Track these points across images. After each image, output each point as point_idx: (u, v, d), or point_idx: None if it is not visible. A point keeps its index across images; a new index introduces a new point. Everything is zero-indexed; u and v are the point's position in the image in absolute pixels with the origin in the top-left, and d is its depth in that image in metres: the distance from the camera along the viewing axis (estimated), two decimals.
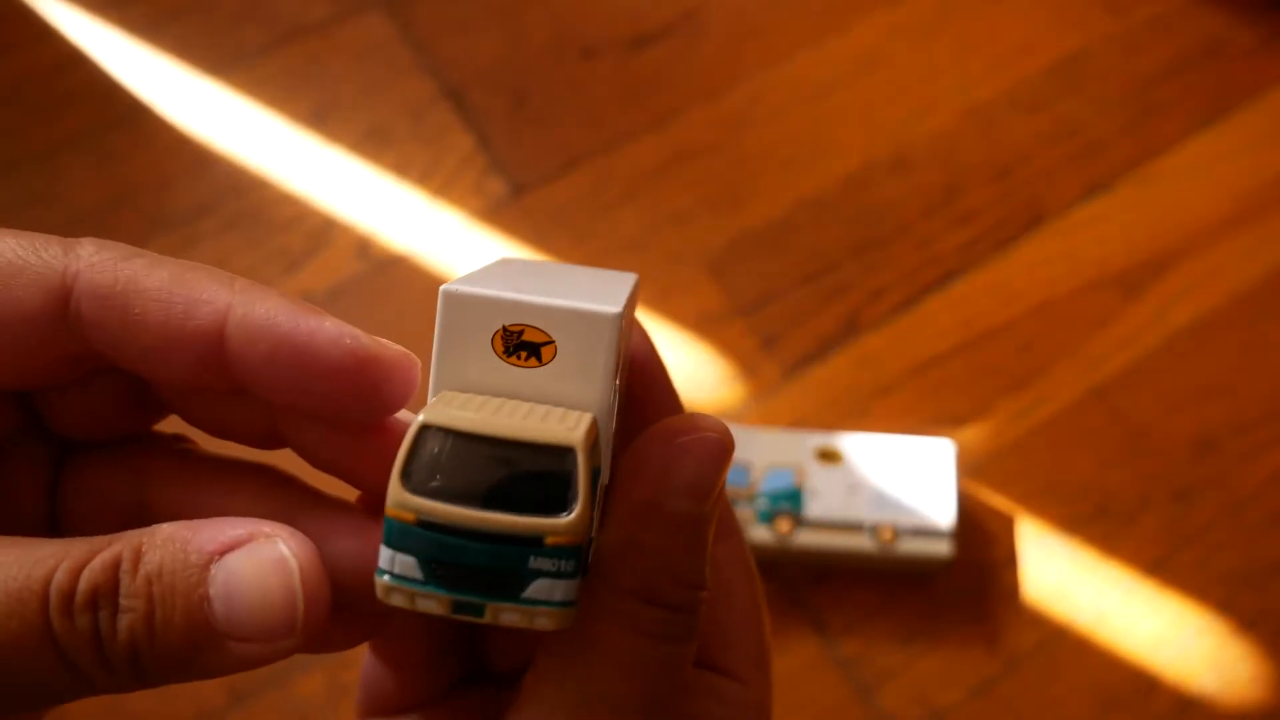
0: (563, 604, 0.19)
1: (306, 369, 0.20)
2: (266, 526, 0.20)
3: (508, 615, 0.18)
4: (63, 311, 0.20)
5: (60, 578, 0.18)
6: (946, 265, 0.66)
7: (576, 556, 0.19)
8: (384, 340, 0.21)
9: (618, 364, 0.21)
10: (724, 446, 0.22)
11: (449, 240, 0.66)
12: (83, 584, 0.18)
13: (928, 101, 0.71)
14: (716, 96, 0.71)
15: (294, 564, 0.19)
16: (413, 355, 0.21)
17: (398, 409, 0.21)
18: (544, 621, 0.19)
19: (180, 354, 0.20)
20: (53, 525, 0.23)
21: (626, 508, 0.22)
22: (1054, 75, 0.72)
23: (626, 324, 0.23)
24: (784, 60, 0.72)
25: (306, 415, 0.22)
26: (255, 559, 0.19)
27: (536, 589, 0.18)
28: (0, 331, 0.20)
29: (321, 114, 0.70)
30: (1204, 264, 0.66)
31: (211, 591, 0.19)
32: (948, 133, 0.70)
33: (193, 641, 0.19)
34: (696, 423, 0.22)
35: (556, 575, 0.18)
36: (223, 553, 0.19)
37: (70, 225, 0.65)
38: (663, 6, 0.74)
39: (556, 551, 0.18)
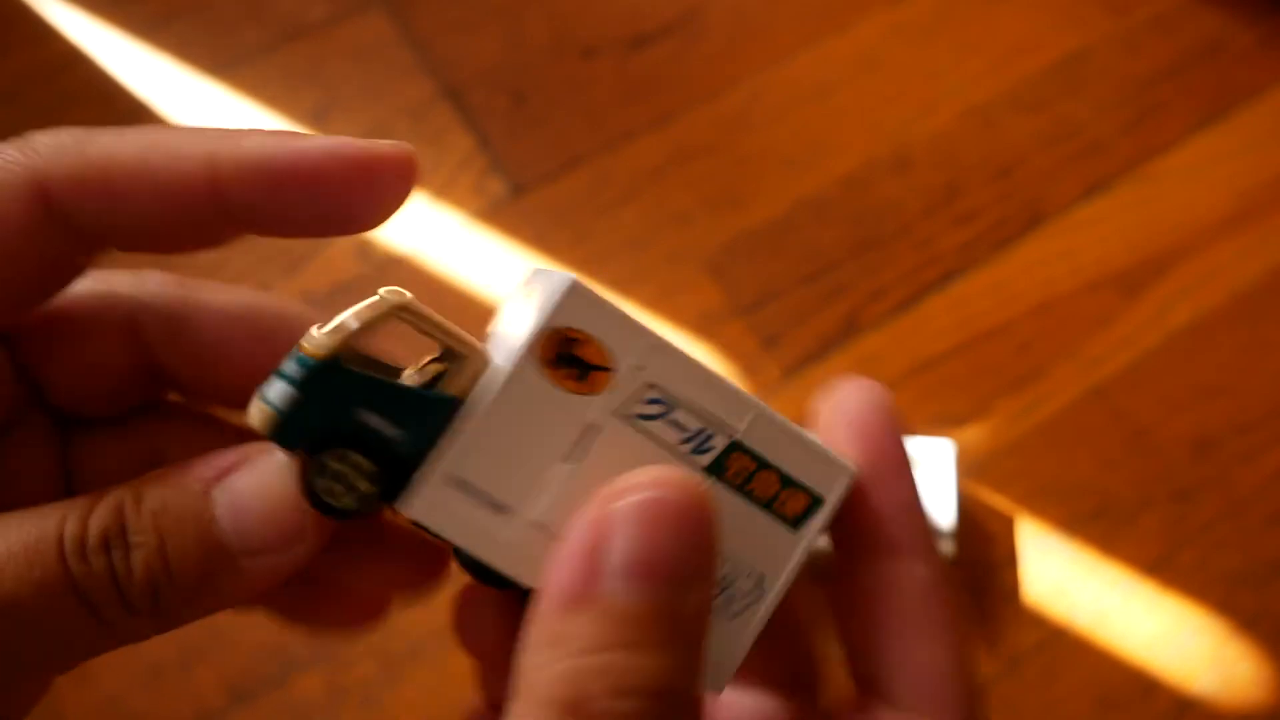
0: (271, 405, 0.19)
1: (304, 184, 0.20)
2: (257, 448, 0.20)
3: (252, 405, 0.19)
4: (44, 211, 0.19)
5: (71, 525, 0.18)
6: (946, 265, 0.66)
7: (307, 366, 0.19)
8: (375, 140, 0.20)
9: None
10: (681, 509, 0.18)
11: (449, 240, 0.66)
12: (92, 528, 0.18)
13: (928, 101, 0.71)
14: (716, 96, 0.71)
15: (293, 469, 0.19)
16: (409, 147, 0.21)
17: (400, 204, 0.21)
18: (252, 413, 0.19)
19: (171, 206, 0.20)
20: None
21: (545, 594, 0.18)
22: (1054, 75, 0.72)
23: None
24: (784, 60, 0.72)
25: (311, 233, 0.21)
26: (254, 472, 0.19)
27: (269, 386, 0.19)
28: None
29: (321, 114, 0.70)
30: (1204, 264, 0.66)
31: (217, 513, 0.19)
32: (948, 133, 0.70)
33: (208, 566, 0.19)
34: (657, 478, 0.18)
35: (285, 378, 0.19)
36: (220, 478, 0.19)
37: None
38: (663, 6, 0.74)
39: (298, 358, 0.19)
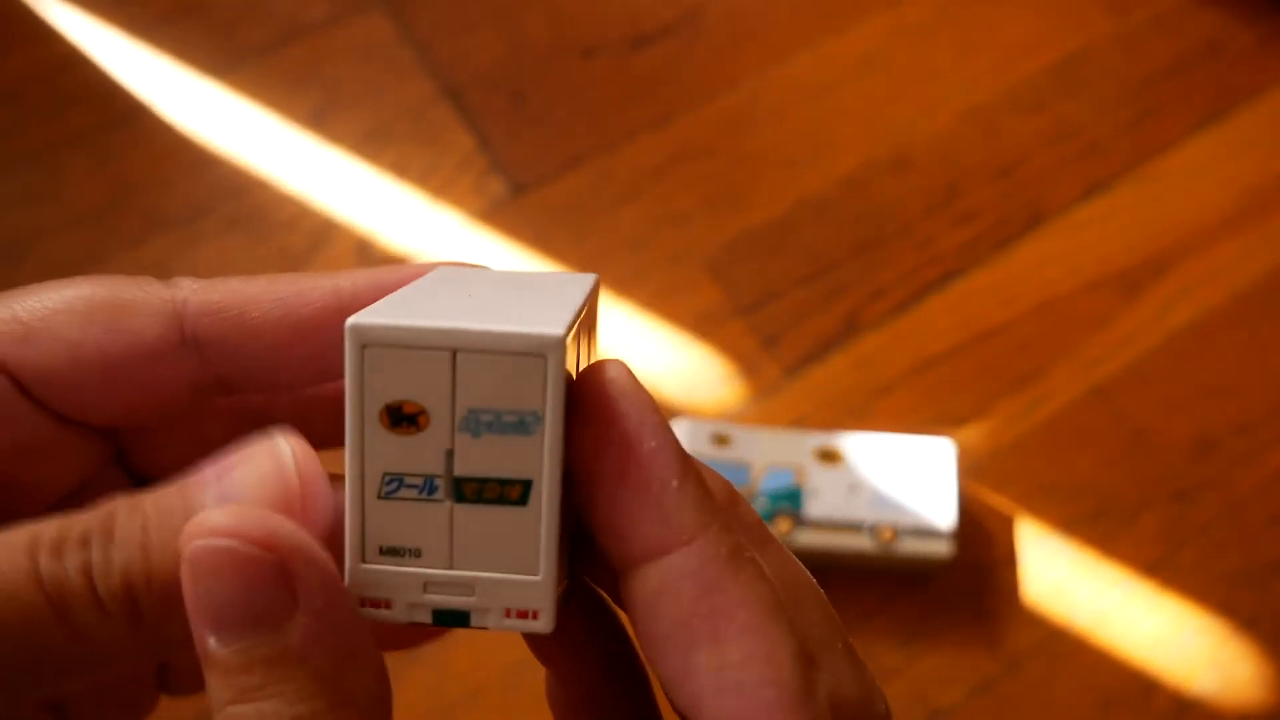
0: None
1: None
2: (259, 439, 0.19)
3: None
4: (179, 337, 0.20)
5: (52, 528, 0.17)
6: (946, 265, 0.66)
7: None
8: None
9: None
10: (235, 556, 0.16)
11: (449, 240, 0.66)
12: (76, 527, 0.17)
13: (928, 101, 0.71)
14: (716, 96, 0.71)
15: (286, 447, 0.18)
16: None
17: None
18: None
19: (302, 344, 0.21)
20: None
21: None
22: (1054, 75, 0.72)
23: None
24: (784, 60, 0.72)
25: None
26: (250, 461, 0.18)
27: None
28: (121, 365, 0.20)
29: (321, 114, 0.70)
30: (1204, 264, 0.66)
31: (207, 504, 0.18)
32: (948, 133, 0.70)
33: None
34: (188, 529, 0.16)
35: None
36: (223, 476, 0.18)
37: (70, 225, 0.65)
38: (663, 6, 0.74)
39: None
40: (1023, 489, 0.60)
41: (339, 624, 0.17)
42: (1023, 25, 0.74)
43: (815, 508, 0.56)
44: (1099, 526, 0.59)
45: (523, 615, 0.19)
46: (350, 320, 0.18)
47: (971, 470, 0.60)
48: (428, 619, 0.19)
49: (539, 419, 0.18)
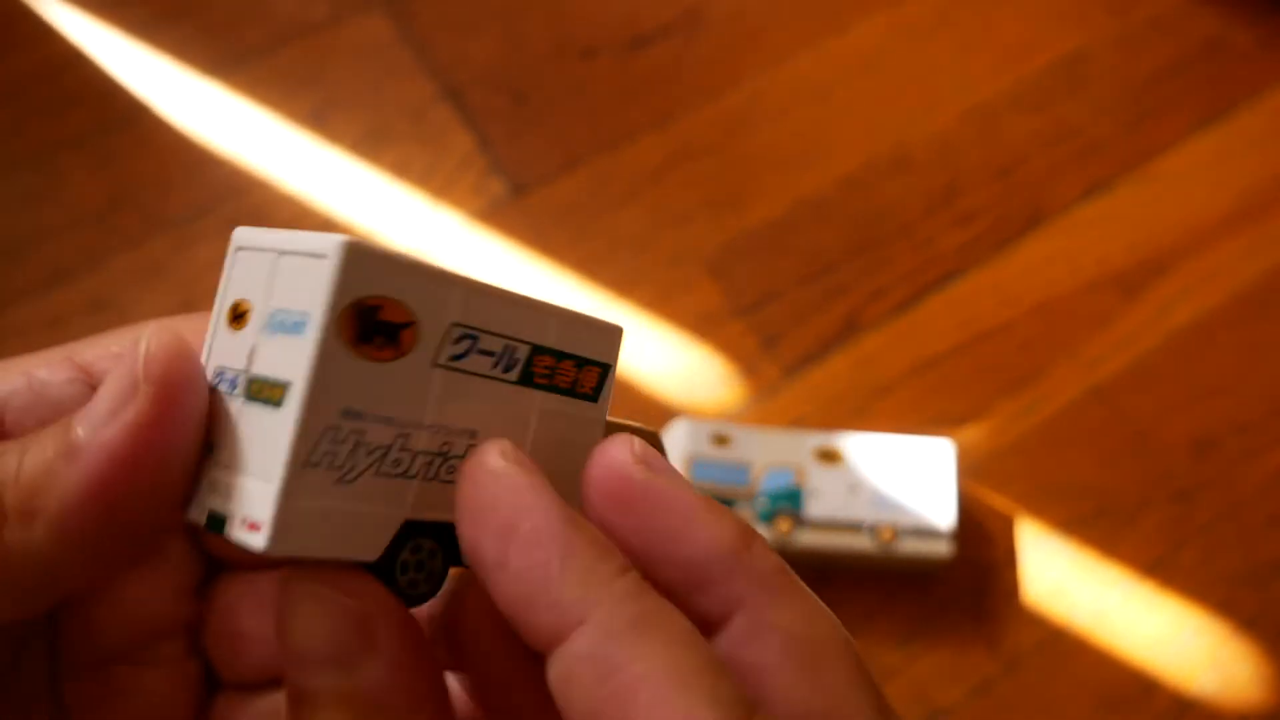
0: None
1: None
2: None
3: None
4: None
5: None
6: (946, 265, 0.66)
7: None
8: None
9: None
10: (335, 606, 0.18)
11: (449, 240, 0.66)
12: None
13: (928, 101, 0.71)
14: (716, 96, 0.71)
15: (143, 345, 0.19)
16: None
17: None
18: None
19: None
20: (192, 638, 0.23)
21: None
22: (1054, 75, 0.72)
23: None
24: (784, 60, 0.72)
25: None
26: (116, 364, 0.19)
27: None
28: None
29: (321, 114, 0.70)
30: (1204, 264, 0.66)
31: (78, 422, 0.18)
32: (948, 133, 0.70)
33: (60, 450, 0.18)
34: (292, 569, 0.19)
35: None
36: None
37: (70, 225, 0.65)
38: (663, 6, 0.74)
39: None
40: (1023, 489, 0.60)
41: (413, 669, 0.18)
42: (1023, 25, 0.74)
43: (815, 508, 0.56)
44: (1099, 526, 0.59)
45: (253, 528, 0.18)
46: (238, 229, 0.20)
47: (971, 470, 0.60)
48: (203, 521, 0.19)
49: (308, 321, 0.18)
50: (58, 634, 0.22)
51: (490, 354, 0.20)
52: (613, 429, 0.22)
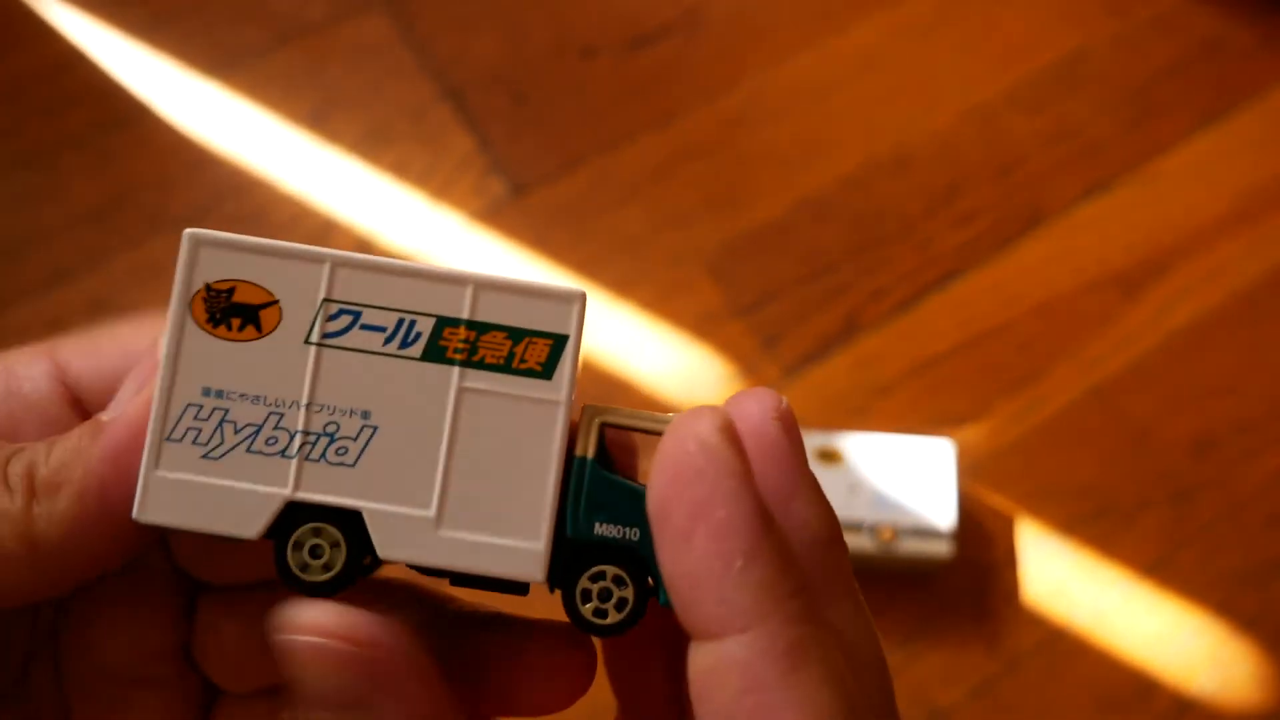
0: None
1: None
2: None
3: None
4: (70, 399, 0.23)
5: None
6: (946, 265, 0.66)
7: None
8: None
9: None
10: (330, 653, 0.18)
11: (449, 240, 0.66)
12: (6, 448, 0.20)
13: (928, 101, 0.71)
14: (716, 96, 0.71)
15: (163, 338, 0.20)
16: None
17: None
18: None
19: None
20: (186, 655, 0.23)
21: None
22: (1054, 75, 0.72)
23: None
24: (784, 60, 0.72)
25: None
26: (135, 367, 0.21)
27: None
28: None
29: (321, 114, 0.70)
30: (1204, 264, 0.66)
31: (103, 416, 0.20)
32: (948, 133, 0.70)
33: (87, 431, 0.20)
34: (290, 619, 0.18)
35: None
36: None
37: (70, 225, 0.65)
38: (663, 6, 0.74)
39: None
40: (1023, 489, 0.60)
41: (425, 708, 0.19)
42: (1023, 25, 0.74)
43: None
44: (1099, 526, 0.59)
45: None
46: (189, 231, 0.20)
47: (971, 470, 0.60)
48: None
49: (169, 308, 0.20)
50: (60, 655, 0.22)
51: (378, 329, 0.19)
52: (591, 414, 0.20)
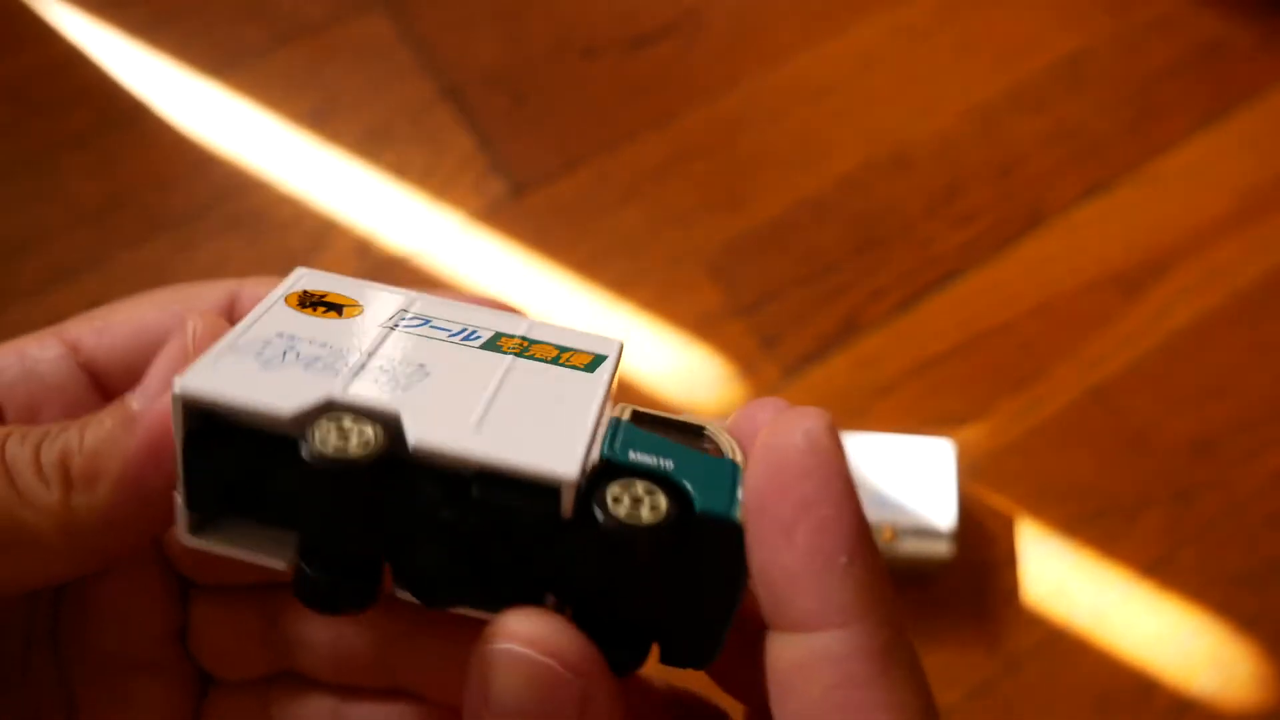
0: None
1: None
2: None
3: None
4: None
5: (21, 427, 0.20)
6: (946, 265, 0.66)
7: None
8: None
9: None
10: (543, 672, 0.18)
11: (449, 240, 0.66)
12: (36, 429, 0.20)
13: (928, 101, 0.71)
14: (716, 96, 0.71)
15: (190, 328, 0.21)
16: None
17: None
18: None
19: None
20: (183, 641, 0.24)
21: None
22: (1054, 75, 0.72)
23: None
24: (784, 60, 0.72)
25: None
26: (164, 349, 0.21)
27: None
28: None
29: (321, 114, 0.70)
30: (1204, 264, 0.66)
31: (133, 404, 0.20)
32: (948, 133, 0.70)
33: (115, 429, 0.20)
34: (507, 628, 0.18)
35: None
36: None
37: (70, 225, 0.65)
38: (663, 6, 0.74)
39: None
40: (1023, 489, 0.60)
41: None
42: (1023, 25, 0.74)
43: None
44: (1099, 526, 0.59)
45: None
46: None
47: (971, 470, 0.60)
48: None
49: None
50: (59, 640, 0.23)
51: (445, 329, 0.21)
52: (623, 408, 0.21)
